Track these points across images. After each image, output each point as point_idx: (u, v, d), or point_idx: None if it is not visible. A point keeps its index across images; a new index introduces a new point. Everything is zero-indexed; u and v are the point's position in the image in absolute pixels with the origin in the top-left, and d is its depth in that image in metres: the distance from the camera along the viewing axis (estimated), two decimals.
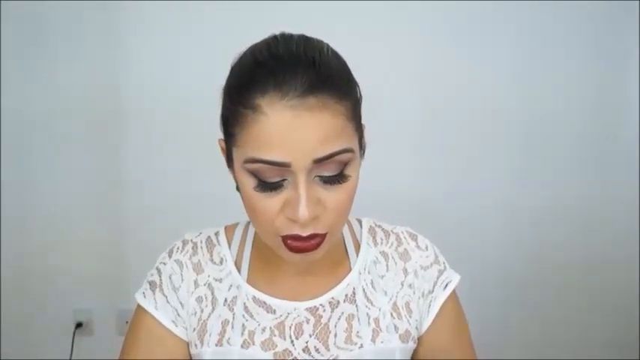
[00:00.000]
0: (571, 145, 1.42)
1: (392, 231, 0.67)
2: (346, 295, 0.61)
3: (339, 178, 0.50)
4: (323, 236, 0.51)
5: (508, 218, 1.44)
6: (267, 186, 0.49)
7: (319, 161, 0.48)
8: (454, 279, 0.65)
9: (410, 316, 0.62)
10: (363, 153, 0.56)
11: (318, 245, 0.51)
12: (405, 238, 0.66)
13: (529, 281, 1.46)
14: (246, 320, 0.59)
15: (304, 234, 0.49)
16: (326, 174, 0.49)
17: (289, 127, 0.48)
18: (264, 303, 0.59)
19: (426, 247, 0.66)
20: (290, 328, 0.59)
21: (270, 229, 0.51)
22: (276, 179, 0.49)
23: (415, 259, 0.64)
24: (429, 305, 0.63)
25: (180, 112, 1.33)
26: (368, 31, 1.28)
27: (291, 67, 0.49)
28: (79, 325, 1.43)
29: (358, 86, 0.54)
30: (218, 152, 0.57)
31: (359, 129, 0.53)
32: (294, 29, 0.54)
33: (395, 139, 1.34)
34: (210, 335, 0.58)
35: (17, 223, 1.39)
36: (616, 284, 1.47)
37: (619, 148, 1.43)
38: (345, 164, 0.50)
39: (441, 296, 0.63)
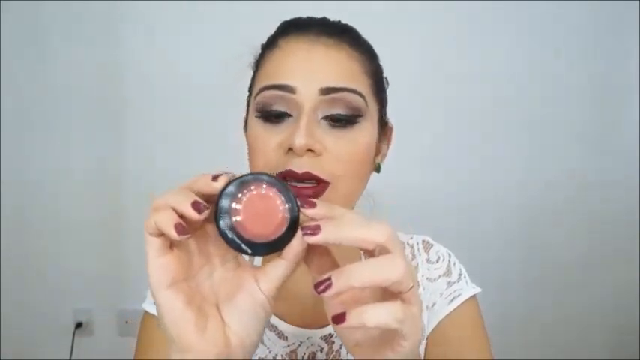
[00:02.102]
0: (571, 145, 1.42)
1: (408, 242, 0.62)
2: None
3: (346, 121, 0.48)
4: (322, 185, 0.47)
5: (508, 218, 1.43)
6: (270, 115, 0.47)
7: (326, 92, 0.46)
8: (465, 293, 0.58)
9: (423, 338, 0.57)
10: (388, 135, 0.56)
11: (316, 195, 0.46)
12: (418, 250, 0.62)
13: (529, 281, 1.46)
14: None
15: (299, 170, 0.45)
16: (333, 112, 0.47)
17: (301, 56, 0.48)
18: (276, 327, 0.55)
19: (437, 260, 0.61)
20: (303, 357, 0.55)
21: (263, 168, 0.48)
22: (281, 109, 0.47)
23: (422, 272, 0.60)
24: (428, 320, 0.58)
25: (181, 113, 1.33)
26: (368, 31, 1.28)
27: (315, 19, 0.52)
28: (79, 325, 1.43)
29: (382, 68, 0.55)
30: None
31: (377, 94, 0.52)
32: None
33: (395, 139, 1.34)
34: None
35: (17, 223, 1.39)
36: (616, 284, 1.47)
37: (619, 148, 1.43)
38: (355, 114, 0.48)
39: (444, 310, 0.57)
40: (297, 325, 0.55)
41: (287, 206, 0.36)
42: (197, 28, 1.31)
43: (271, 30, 0.56)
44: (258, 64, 0.53)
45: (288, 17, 0.57)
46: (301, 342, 0.55)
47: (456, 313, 0.58)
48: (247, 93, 0.55)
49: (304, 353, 0.55)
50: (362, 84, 0.50)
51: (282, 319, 0.56)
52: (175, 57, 1.32)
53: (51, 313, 1.43)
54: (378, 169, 0.56)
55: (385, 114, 0.55)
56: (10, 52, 1.31)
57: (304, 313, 0.56)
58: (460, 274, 0.61)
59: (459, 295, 0.58)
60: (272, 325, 0.55)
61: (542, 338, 1.49)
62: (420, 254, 0.61)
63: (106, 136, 1.36)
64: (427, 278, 0.60)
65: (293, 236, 0.36)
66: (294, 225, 0.36)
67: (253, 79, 0.54)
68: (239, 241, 0.36)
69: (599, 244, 1.46)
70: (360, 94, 0.48)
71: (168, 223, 0.34)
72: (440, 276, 0.60)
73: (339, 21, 0.54)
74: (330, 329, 0.56)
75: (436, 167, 1.40)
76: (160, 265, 0.36)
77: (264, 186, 0.36)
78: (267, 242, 0.36)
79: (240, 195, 0.36)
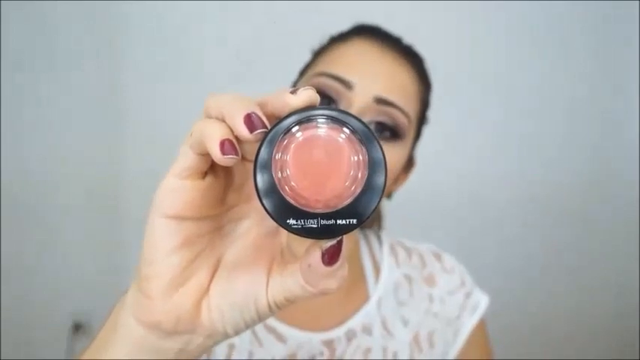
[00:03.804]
0: (570, 144, 1.42)
1: (414, 249, 0.61)
2: (364, 326, 0.55)
3: (388, 133, 0.48)
4: None
5: (507, 217, 1.43)
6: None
7: (379, 101, 0.47)
8: (482, 302, 0.60)
9: (432, 349, 0.56)
10: (409, 168, 0.56)
11: None
12: (429, 258, 0.61)
13: (528, 281, 1.46)
14: (253, 347, 0.53)
15: None
16: (379, 120, 0.48)
17: (370, 56, 0.48)
18: (274, 330, 0.53)
19: (452, 269, 0.61)
20: None
21: None
22: (330, 99, 0.47)
23: (441, 285, 0.59)
24: (456, 333, 0.58)
25: (182, 112, 1.32)
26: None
27: (392, 34, 0.54)
28: (78, 326, 1.43)
29: (430, 105, 0.57)
30: None
31: (419, 124, 0.54)
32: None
33: None
34: (215, 354, 0.53)
35: (17, 223, 1.38)
36: (616, 284, 1.47)
37: (619, 147, 1.43)
38: (395, 132, 0.48)
39: (469, 322, 0.58)
40: (298, 328, 0.54)
41: (364, 169, 0.24)
42: (198, 28, 1.31)
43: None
44: (320, 52, 0.53)
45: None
46: (301, 346, 0.53)
47: (476, 327, 0.59)
48: (297, 75, 0.56)
49: (303, 358, 0.53)
50: (412, 109, 0.50)
51: (282, 321, 0.54)
52: (177, 56, 1.32)
53: (50, 314, 1.43)
54: (389, 196, 0.57)
55: (415, 148, 0.56)
56: (10, 52, 1.31)
57: (305, 314, 0.54)
58: (472, 283, 0.62)
59: (478, 306, 0.60)
60: (270, 328, 0.53)
61: (542, 338, 1.49)
62: (432, 264, 0.61)
63: (107, 136, 1.36)
64: (447, 292, 0.59)
65: (354, 225, 0.24)
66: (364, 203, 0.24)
67: (310, 63, 0.54)
68: (272, 205, 0.24)
69: (599, 244, 1.46)
70: (408, 117, 0.49)
71: (213, 136, 0.25)
72: (458, 287, 0.60)
73: (412, 46, 0.56)
74: (331, 334, 0.54)
75: (436, 165, 1.39)
76: (176, 187, 0.28)
77: (345, 130, 0.24)
78: (314, 213, 0.24)
79: (299, 135, 0.24)
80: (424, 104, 0.55)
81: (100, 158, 1.36)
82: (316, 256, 0.26)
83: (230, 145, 0.25)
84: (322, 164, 0.24)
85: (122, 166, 1.36)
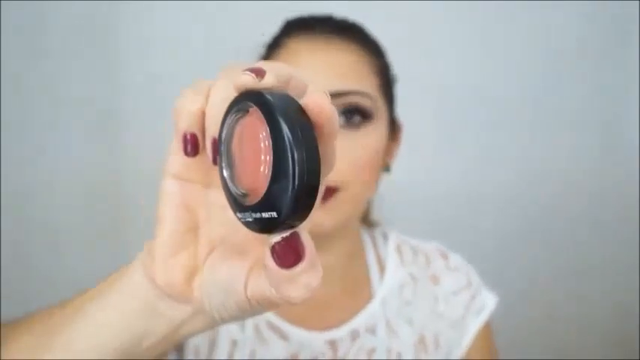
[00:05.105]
0: (569, 145, 1.41)
1: (420, 248, 0.61)
2: (368, 326, 0.54)
3: (355, 125, 0.46)
4: (329, 191, 0.45)
5: (507, 217, 1.43)
6: None
7: (334, 96, 0.45)
8: (489, 303, 0.59)
9: (437, 350, 0.55)
10: (397, 134, 0.55)
11: (322, 202, 0.43)
12: (434, 257, 0.60)
13: (528, 281, 1.46)
14: (256, 346, 0.52)
15: None
16: (341, 116, 0.45)
17: (308, 56, 0.47)
18: (278, 329, 0.53)
19: (457, 268, 0.60)
20: None
21: None
22: None
23: (445, 284, 0.58)
24: (461, 334, 0.57)
25: None
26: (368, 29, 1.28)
27: (320, 18, 0.51)
28: None
29: (390, 65, 0.54)
30: None
31: (386, 93, 0.51)
32: None
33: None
34: (219, 350, 0.52)
35: (17, 223, 1.38)
36: (616, 284, 1.47)
37: (619, 148, 1.43)
38: (364, 117, 0.47)
39: (474, 324, 0.58)
40: (301, 327, 0.54)
41: (269, 143, 0.21)
42: (198, 27, 1.31)
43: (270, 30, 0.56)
44: None
45: (292, 12, 0.56)
46: (303, 345, 0.53)
47: (481, 330, 0.58)
48: None
49: (306, 358, 0.53)
50: (370, 85, 0.49)
51: (285, 320, 0.54)
52: (176, 54, 1.32)
53: None
54: (387, 169, 0.56)
55: (394, 112, 0.54)
56: (10, 51, 1.31)
57: (308, 314, 0.54)
58: (478, 284, 0.61)
59: (484, 307, 0.59)
60: (274, 326, 0.53)
61: (542, 338, 1.49)
62: (437, 263, 0.60)
63: (107, 137, 1.35)
64: (452, 291, 0.59)
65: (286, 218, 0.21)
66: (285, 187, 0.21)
67: None
68: (231, 200, 0.24)
69: (599, 245, 1.46)
70: (369, 96, 0.48)
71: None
72: (463, 287, 0.59)
73: (345, 18, 0.53)
74: (334, 334, 0.54)
75: (436, 165, 1.39)
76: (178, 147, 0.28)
77: (256, 111, 0.23)
78: (247, 206, 0.23)
79: (233, 129, 0.24)
80: (382, 71, 0.52)
81: (101, 158, 1.36)
82: (267, 254, 0.23)
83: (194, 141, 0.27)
84: (246, 153, 0.23)
85: (123, 166, 1.36)
